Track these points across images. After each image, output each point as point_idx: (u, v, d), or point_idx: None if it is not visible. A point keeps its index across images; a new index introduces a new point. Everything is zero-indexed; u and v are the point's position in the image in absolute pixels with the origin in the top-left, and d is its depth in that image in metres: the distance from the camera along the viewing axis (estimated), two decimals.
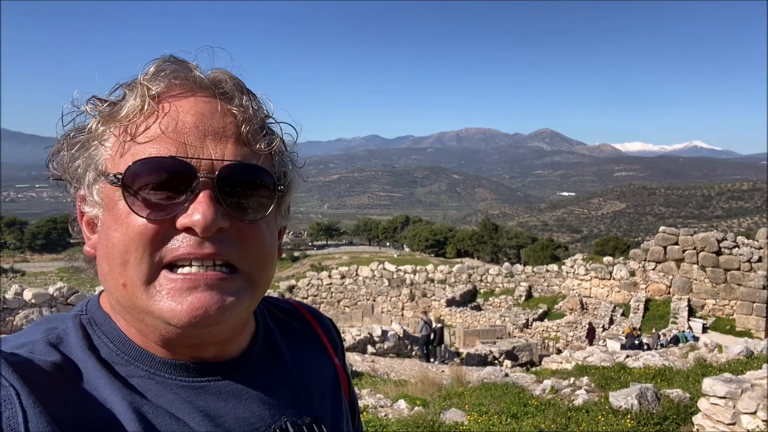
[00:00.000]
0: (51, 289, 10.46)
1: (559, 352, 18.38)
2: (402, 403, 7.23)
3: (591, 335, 20.36)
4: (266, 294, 0.95)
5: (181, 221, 0.64)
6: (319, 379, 0.90)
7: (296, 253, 77.23)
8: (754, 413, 4.97)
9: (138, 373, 0.68)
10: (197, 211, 0.63)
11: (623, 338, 17.92)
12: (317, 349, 0.94)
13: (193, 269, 0.64)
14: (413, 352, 16.52)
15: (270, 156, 0.73)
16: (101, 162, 0.69)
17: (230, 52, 0.74)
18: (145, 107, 0.67)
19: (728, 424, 5.15)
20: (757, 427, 4.90)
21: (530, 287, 26.75)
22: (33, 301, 9.93)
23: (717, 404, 5.31)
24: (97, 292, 0.78)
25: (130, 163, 0.65)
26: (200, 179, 0.65)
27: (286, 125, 0.78)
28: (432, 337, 15.91)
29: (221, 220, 0.65)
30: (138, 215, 0.64)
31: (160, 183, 0.64)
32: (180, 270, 0.65)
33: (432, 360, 15.51)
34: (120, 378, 0.66)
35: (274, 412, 0.77)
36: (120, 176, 0.65)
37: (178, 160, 0.65)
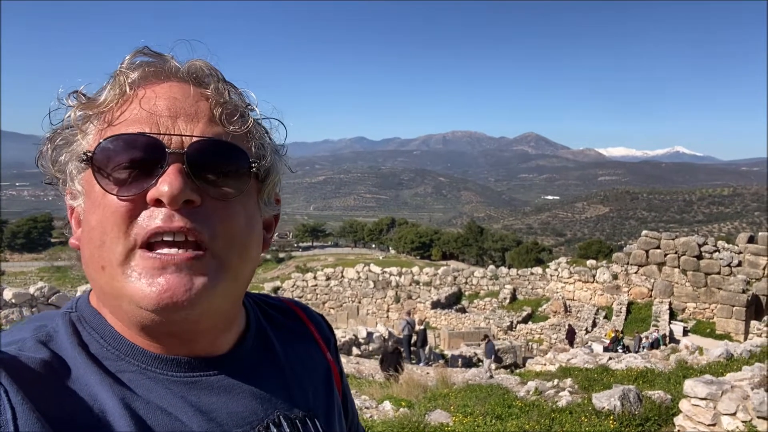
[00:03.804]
0: (32, 289, 10.29)
1: (544, 354, 18.49)
2: (387, 405, 7.24)
3: (571, 337, 20.55)
4: (255, 293, 0.95)
5: (151, 194, 0.64)
6: (312, 374, 0.89)
7: (281, 255, 76.83)
8: (734, 414, 5.05)
9: (129, 369, 0.67)
10: (165, 183, 0.63)
11: (606, 341, 18.11)
12: (309, 345, 0.94)
13: (164, 250, 0.64)
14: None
15: (246, 138, 0.73)
16: (82, 151, 0.69)
17: (211, 51, 0.75)
18: (122, 94, 0.68)
19: (709, 425, 5.22)
20: (737, 427, 4.98)
21: (515, 290, 26.90)
22: (13, 301, 9.76)
23: (698, 405, 5.38)
24: (87, 290, 0.77)
25: (101, 141, 0.66)
26: (169, 154, 0.65)
27: (271, 118, 0.79)
28: (414, 338, 15.93)
29: (190, 192, 0.64)
30: (109, 193, 0.64)
31: (130, 160, 0.65)
32: (153, 251, 0.64)
33: (414, 361, 15.52)
34: (110, 374, 0.66)
35: (266, 407, 0.76)
36: (89, 154, 0.66)
37: (147, 136, 0.65)
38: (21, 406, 0.55)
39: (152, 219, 0.64)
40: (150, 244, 0.64)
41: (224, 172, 0.69)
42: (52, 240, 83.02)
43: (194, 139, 0.67)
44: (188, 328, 0.69)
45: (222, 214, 0.68)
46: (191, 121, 0.68)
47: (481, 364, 16.68)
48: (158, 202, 0.64)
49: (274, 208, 0.82)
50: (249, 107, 0.76)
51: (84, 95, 0.70)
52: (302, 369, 0.88)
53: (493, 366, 16.15)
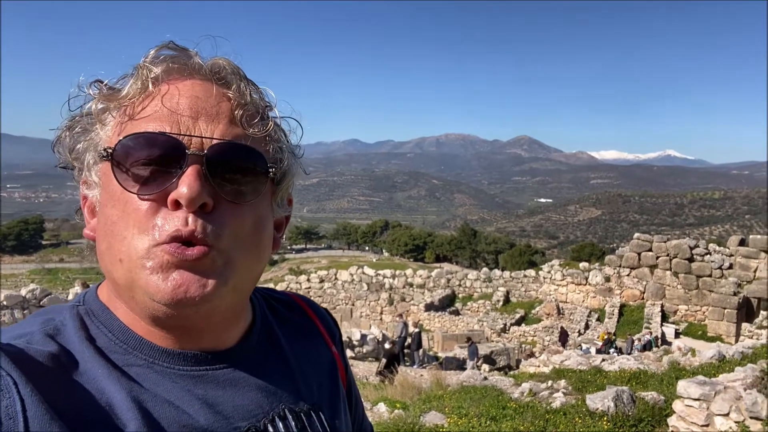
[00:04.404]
0: (23, 291, 10.24)
1: (531, 356, 18.54)
2: (382, 407, 7.23)
3: (564, 339, 20.65)
4: (261, 287, 0.95)
5: (171, 196, 0.64)
6: (317, 368, 0.90)
7: (274, 257, 76.62)
8: (727, 415, 5.09)
9: (136, 362, 0.68)
10: (184, 184, 0.64)
11: (599, 343, 18.19)
12: (314, 338, 0.95)
13: (179, 248, 0.64)
14: None
15: (264, 140, 0.73)
16: (101, 144, 0.70)
17: (236, 51, 0.75)
18: (144, 88, 0.68)
19: (702, 426, 5.26)
20: (730, 428, 5.02)
21: (508, 292, 26.98)
22: (5, 303, 9.70)
23: (691, 406, 5.42)
24: (94, 285, 0.78)
25: (121, 138, 0.66)
26: (189, 155, 0.65)
27: (289, 118, 0.79)
28: (409, 341, 15.94)
29: (206, 195, 0.65)
30: (128, 191, 0.65)
31: (150, 158, 0.65)
32: (168, 246, 0.64)
33: (408, 363, 15.52)
34: (118, 368, 0.66)
35: (272, 400, 0.77)
36: (110, 150, 0.66)
37: (168, 136, 0.66)
38: (30, 398, 0.56)
39: (169, 220, 0.65)
40: (167, 243, 0.65)
41: (242, 176, 0.70)
42: (43, 242, 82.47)
43: (214, 141, 0.67)
44: (199, 321, 0.70)
45: (235, 216, 0.68)
46: (212, 121, 0.69)
47: (476, 366, 16.71)
48: (176, 204, 0.65)
49: (286, 210, 0.83)
50: (268, 107, 0.76)
51: (106, 86, 0.70)
52: (307, 363, 0.88)
53: (481, 365, 16.18)
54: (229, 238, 0.67)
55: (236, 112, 0.70)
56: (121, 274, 0.66)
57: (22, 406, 0.55)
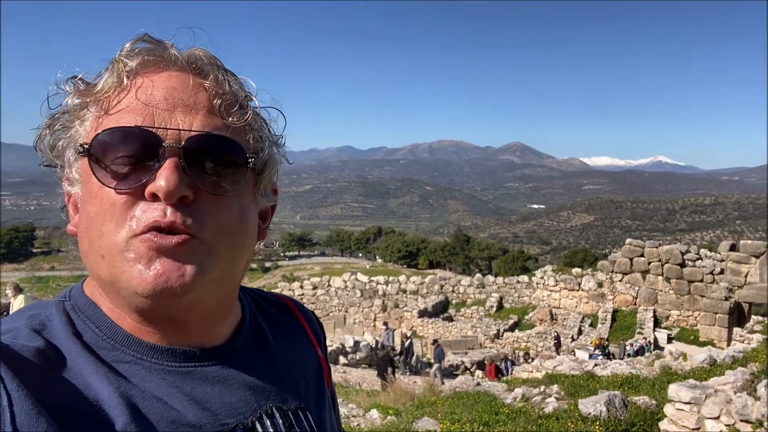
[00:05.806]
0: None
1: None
2: (374, 413, 7.21)
3: (558, 345, 20.73)
4: (250, 287, 0.96)
5: (148, 189, 0.64)
6: (304, 368, 0.90)
7: (267, 264, 76.18)
8: (718, 418, 5.11)
9: (124, 358, 0.68)
10: (161, 177, 0.63)
11: (591, 348, 18.23)
12: (302, 340, 0.95)
13: (157, 235, 0.64)
14: None
15: (244, 130, 0.72)
16: (80, 140, 0.69)
17: (213, 41, 0.74)
18: (120, 82, 0.68)
19: (693, 429, 5.28)
20: (721, 431, 5.04)
21: (501, 298, 27.02)
22: None
23: (682, 410, 5.44)
24: (79, 282, 0.77)
25: (96, 133, 0.66)
26: (166, 148, 0.65)
27: (270, 107, 0.79)
28: (399, 348, 15.95)
29: (185, 188, 0.64)
30: (106, 186, 0.65)
31: (127, 153, 0.65)
32: (146, 236, 0.64)
33: (406, 371, 15.50)
34: (106, 363, 0.66)
35: (260, 398, 0.77)
36: (86, 146, 0.66)
37: (144, 130, 0.65)
38: (17, 393, 0.55)
39: (148, 212, 0.64)
40: (144, 233, 0.65)
41: (221, 167, 0.69)
42: (34, 250, 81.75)
43: (192, 133, 0.67)
44: (183, 313, 0.69)
45: (216, 207, 0.68)
46: (189, 112, 0.68)
47: (468, 372, 16.69)
48: (154, 196, 0.64)
49: (271, 199, 0.82)
50: (248, 97, 0.76)
51: (81, 81, 0.70)
52: (295, 362, 0.88)
53: (474, 371, 16.15)
54: (213, 229, 0.67)
55: (214, 102, 0.70)
56: (104, 270, 0.66)
57: (9, 401, 0.54)
